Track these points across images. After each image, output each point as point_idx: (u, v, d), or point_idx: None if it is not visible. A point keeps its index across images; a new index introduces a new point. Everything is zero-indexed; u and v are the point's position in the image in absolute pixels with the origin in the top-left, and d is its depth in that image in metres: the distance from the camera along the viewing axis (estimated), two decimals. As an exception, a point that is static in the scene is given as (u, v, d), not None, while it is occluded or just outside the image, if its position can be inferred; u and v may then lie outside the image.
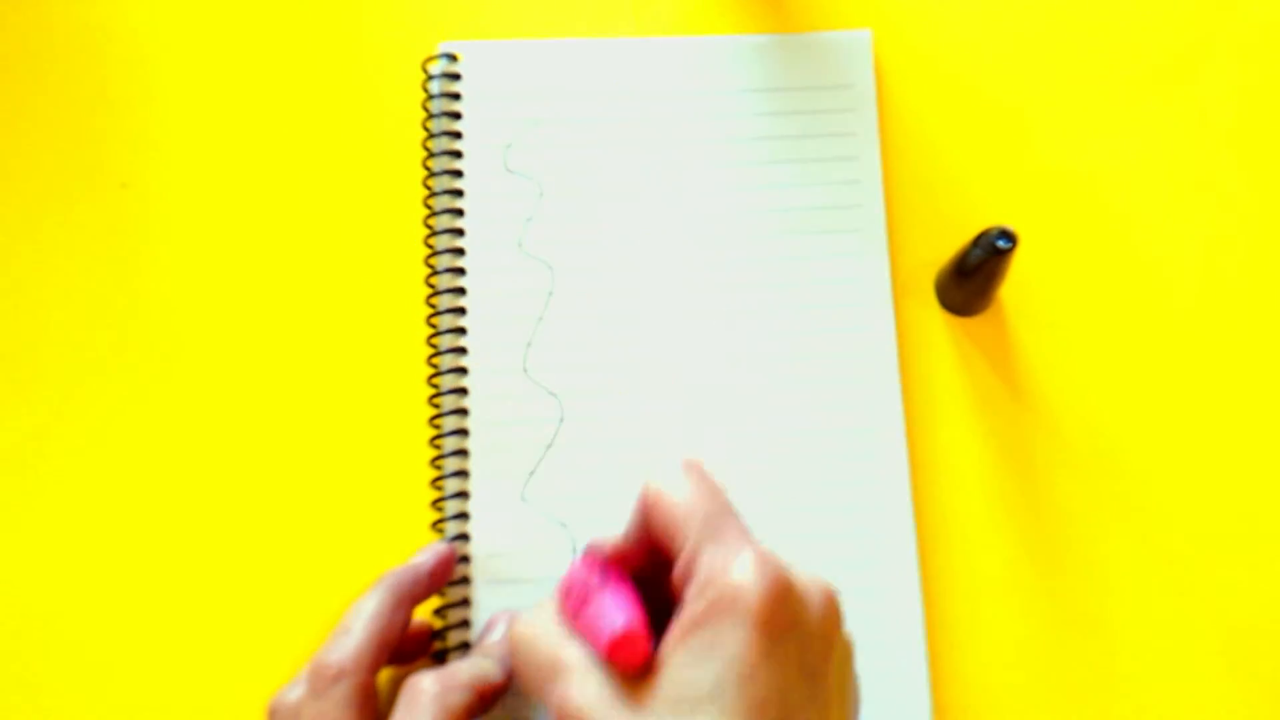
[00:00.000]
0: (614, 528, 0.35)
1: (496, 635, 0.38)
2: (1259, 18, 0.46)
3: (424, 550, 0.39)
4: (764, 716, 0.29)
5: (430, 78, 0.45)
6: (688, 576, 0.31)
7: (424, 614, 0.40)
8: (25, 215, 0.44)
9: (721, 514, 0.32)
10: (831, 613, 0.32)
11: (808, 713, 0.30)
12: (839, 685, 0.32)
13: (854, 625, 0.40)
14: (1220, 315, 0.43)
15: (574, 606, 0.33)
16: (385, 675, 0.39)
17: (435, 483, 0.41)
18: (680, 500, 0.32)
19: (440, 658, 0.40)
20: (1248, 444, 0.42)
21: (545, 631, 0.33)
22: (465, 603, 0.40)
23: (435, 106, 0.44)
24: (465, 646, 0.40)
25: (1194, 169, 0.45)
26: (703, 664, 0.29)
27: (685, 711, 0.29)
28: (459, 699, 0.34)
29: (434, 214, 0.43)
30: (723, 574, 0.30)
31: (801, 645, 0.30)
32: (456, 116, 0.44)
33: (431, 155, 0.44)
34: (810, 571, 0.32)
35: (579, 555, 0.35)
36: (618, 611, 0.31)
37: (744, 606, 0.29)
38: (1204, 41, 0.46)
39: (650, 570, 0.34)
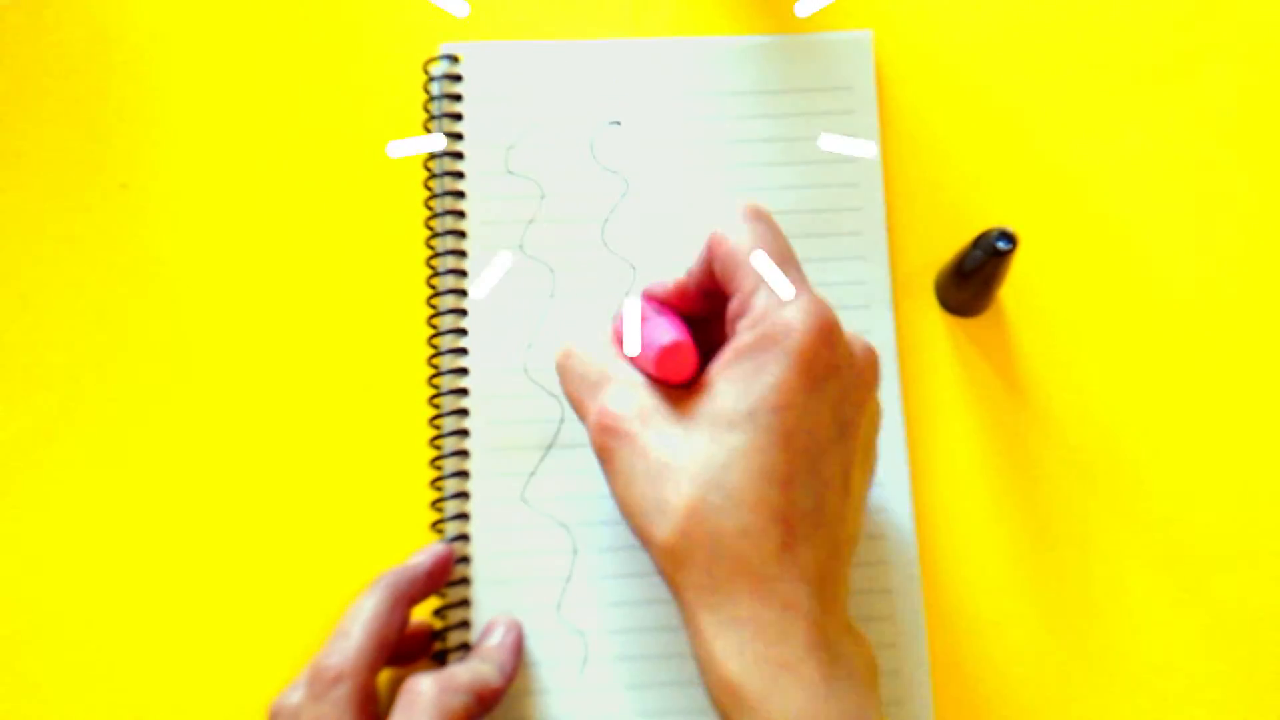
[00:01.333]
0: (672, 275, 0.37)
1: (495, 639, 0.39)
2: (1259, 18, 0.46)
3: (422, 551, 0.39)
4: (791, 446, 0.31)
5: (431, 79, 0.45)
6: (742, 311, 0.33)
7: (424, 614, 0.40)
8: (25, 215, 0.44)
9: (784, 259, 0.33)
10: (870, 373, 0.34)
11: (831, 456, 0.32)
12: (865, 444, 0.34)
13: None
14: (1220, 315, 0.43)
15: (627, 328, 0.35)
16: (385, 677, 0.39)
17: (435, 483, 0.41)
18: (744, 243, 0.33)
19: (440, 658, 0.40)
20: (1247, 443, 0.42)
21: (594, 352, 0.35)
22: (465, 603, 0.40)
23: (436, 108, 0.44)
24: (465, 647, 0.40)
25: (1194, 169, 0.45)
26: (744, 388, 0.31)
27: (722, 428, 0.31)
28: (457, 702, 0.34)
29: (435, 215, 0.43)
30: (776, 310, 0.32)
31: (839, 393, 0.32)
32: (458, 118, 0.44)
33: (433, 156, 0.44)
34: (858, 333, 0.34)
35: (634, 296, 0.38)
36: (667, 329, 0.34)
37: (791, 342, 0.31)
38: (1204, 41, 0.46)
39: (706, 313, 0.36)
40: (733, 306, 0.33)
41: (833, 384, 0.32)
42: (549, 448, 0.41)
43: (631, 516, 0.33)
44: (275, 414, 0.42)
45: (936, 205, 0.44)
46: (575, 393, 0.35)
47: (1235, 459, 0.42)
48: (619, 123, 0.44)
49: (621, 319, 0.36)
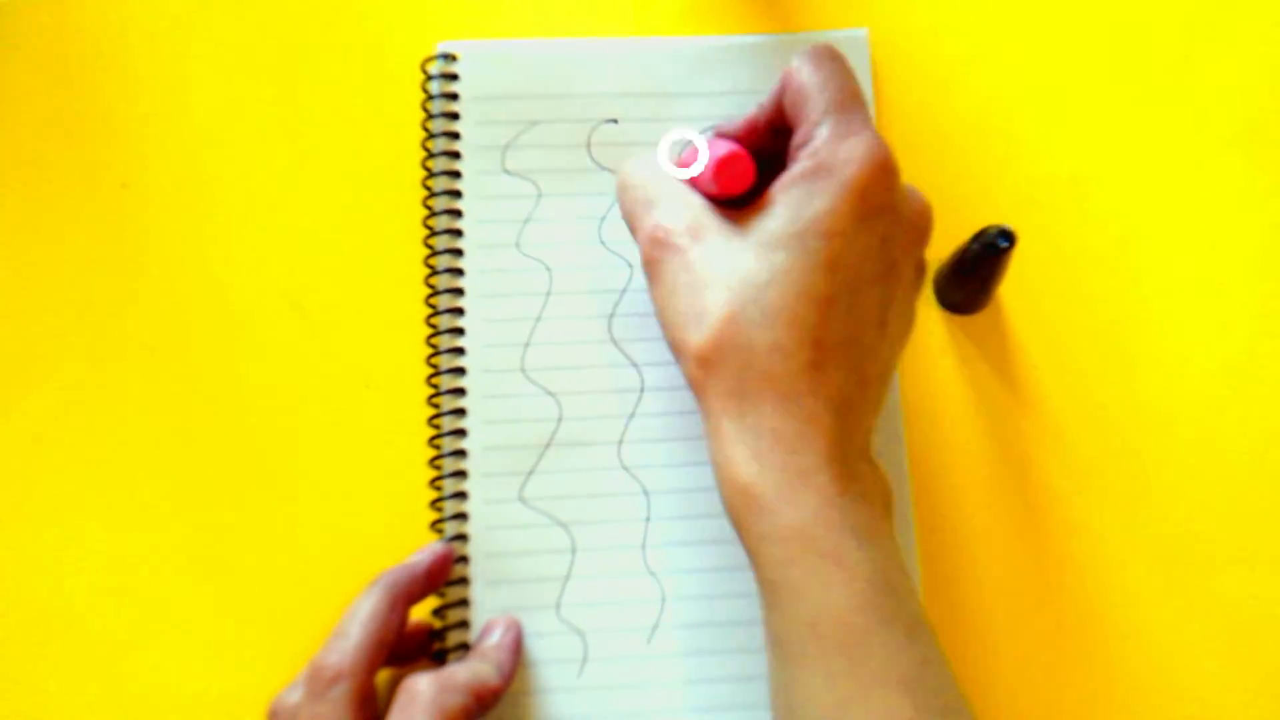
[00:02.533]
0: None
1: (494, 639, 0.39)
2: (1259, 18, 0.46)
3: (421, 550, 0.39)
4: (834, 273, 0.32)
5: (429, 78, 0.45)
6: (805, 141, 0.33)
7: (423, 614, 0.40)
8: (25, 215, 0.44)
9: (852, 98, 0.33)
10: (923, 222, 0.34)
11: (872, 291, 0.32)
12: (906, 292, 0.34)
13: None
14: (1219, 314, 0.43)
15: (688, 156, 0.36)
16: (384, 676, 0.39)
17: (434, 483, 0.41)
18: (818, 79, 0.33)
19: (439, 658, 0.40)
20: (1247, 443, 0.42)
21: (652, 169, 0.36)
22: (464, 603, 0.40)
23: (434, 107, 0.44)
24: (464, 647, 0.40)
25: (1193, 169, 0.45)
26: (796, 211, 0.32)
27: (769, 247, 0.32)
28: (455, 702, 0.34)
29: (433, 214, 0.44)
30: (837, 141, 0.32)
31: (888, 231, 0.32)
32: (455, 117, 0.44)
33: (430, 156, 0.44)
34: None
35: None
36: (726, 145, 0.34)
37: (848, 173, 0.32)
38: (1204, 41, 0.46)
39: (773, 151, 0.36)
40: (797, 137, 0.34)
41: (883, 222, 0.32)
42: (547, 446, 0.41)
43: (669, 328, 0.34)
44: (275, 414, 0.42)
45: (935, 203, 0.44)
46: (631, 208, 0.36)
47: (1235, 458, 0.42)
48: (616, 121, 0.44)
49: (685, 151, 0.36)
